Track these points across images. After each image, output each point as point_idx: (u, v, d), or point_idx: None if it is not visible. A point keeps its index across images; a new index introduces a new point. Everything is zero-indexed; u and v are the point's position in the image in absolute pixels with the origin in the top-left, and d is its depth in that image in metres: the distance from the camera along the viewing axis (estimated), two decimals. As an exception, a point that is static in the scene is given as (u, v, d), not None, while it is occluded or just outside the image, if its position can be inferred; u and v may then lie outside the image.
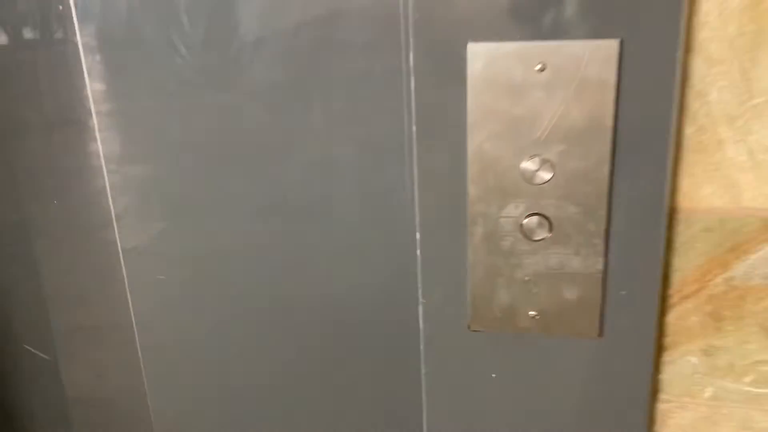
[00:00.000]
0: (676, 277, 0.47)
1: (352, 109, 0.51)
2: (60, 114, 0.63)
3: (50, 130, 0.64)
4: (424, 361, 0.52)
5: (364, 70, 0.49)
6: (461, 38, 0.43)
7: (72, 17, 0.56)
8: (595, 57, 0.42)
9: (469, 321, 0.50)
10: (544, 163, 0.45)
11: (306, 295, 0.59)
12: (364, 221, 0.55)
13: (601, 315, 0.48)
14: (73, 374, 0.76)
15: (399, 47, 0.47)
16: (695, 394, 0.50)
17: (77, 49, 0.58)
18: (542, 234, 0.46)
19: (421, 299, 0.51)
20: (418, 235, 0.49)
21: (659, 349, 0.49)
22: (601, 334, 0.48)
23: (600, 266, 0.46)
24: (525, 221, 0.46)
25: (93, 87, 0.58)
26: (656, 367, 0.50)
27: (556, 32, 0.42)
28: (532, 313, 0.49)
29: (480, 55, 0.43)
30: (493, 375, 0.51)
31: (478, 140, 0.45)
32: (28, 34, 0.62)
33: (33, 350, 0.76)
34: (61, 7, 0.58)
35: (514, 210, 0.46)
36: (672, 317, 0.48)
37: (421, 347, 0.52)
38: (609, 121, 0.43)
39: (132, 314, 0.67)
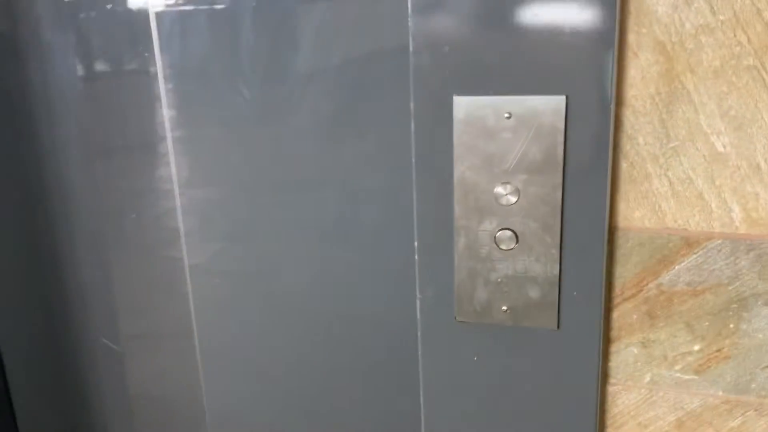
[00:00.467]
0: (618, 282, 0.59)
1: (378, 142, 0.65)
2: (138, 138, 0.76)
3: (130, 152, 0.78)
4: (421, 344, 0.65)
5: (390, 108, 0.63)
6: (449, 92, 0.57)
7: (154, 51, 0.70)
8: (548, 108, 0.55)
9: (455, 313, 0.63)
10: (512, 188, 0.58)
11: (332, 295, 0.72)
12: (380, 236, 0.68)
13: (558, 311, 0.60)
14: (137, 373, 0.88)
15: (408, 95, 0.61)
16: (637, 378, 0.62)
17: (156, 79, 0.72)
18: (511, 245, 0.59)
19: (418, 295, 0.64)
20: (416, 243, 0.62)
21: (607, 340, 0.61)
22: (558, 326, 0.60)
23: (556, 271, 0.59)
24: (497, 234, 0.59)
25: (168, 115, 0.72)
26: (605, 356, 0.62)
27: (519, 90, 0.55)
28: (504, 307, 0.61)
29: (463, 105, 0.57)
30: (475, 358, 0.64)
31: (461, 169, 0.58)
32: (112, 64, 0.74)
33: (110, 344, 0.88)
34: (143, 43, 0.71)
35: (488, 225, 0.59)
36: (616, 315, 0.60)
37: (419, 333, 0.65)
38: (560, 158, 0.56)
39: (194, 323, 0.80)
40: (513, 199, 0.58)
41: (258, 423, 0.82)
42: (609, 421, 0.63)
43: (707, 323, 0.58)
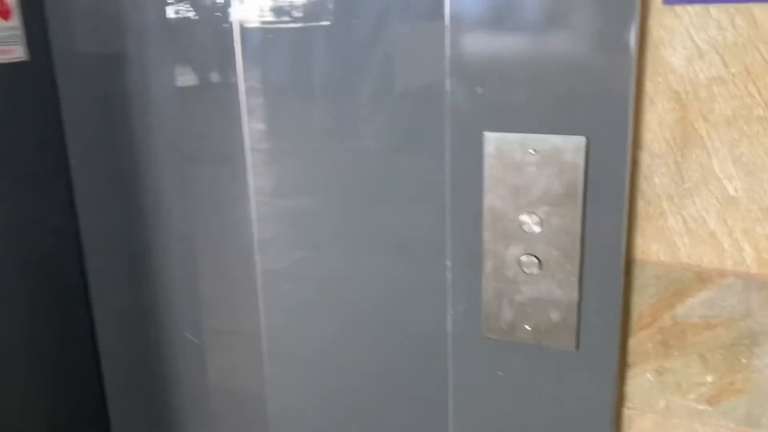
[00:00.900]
0: (635, 311, 0.63)
1: (432, 167, 0.72)
2: (221, 148, 0.83)
3: (215, 161, 0.86)
4: (452, 357, 0.71)
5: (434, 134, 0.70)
6: (480, 128, 0.63)
7: (237, 65, 0.78)
8: (569, 147, 0.60)
9: (482, 329, 0.68)
10: (536, 218, 0.63)
11: (385, 308, 0.79)
12: (424, 255, 0.75)
13: (578, 333, 0.64)
14: (212, 366, 0.97)
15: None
16: (652, 404, 0.65)
17: (238, 92, 0.79)
18: (534, 269, 0.64)
19: (450, 310, 0.70)
20: (448, 263, 0.68)
21: (624, 365, 0.65)
22: (578, 347, 0.65)
23: (575, 296, 0.63)
24: (522, 259, 0.64)
25: (251, 127, 0.80)
26: (622, 380, 0.65)
27: (544, 128, 0.61)
28: (527, 327, 0.66)
29: (492, 140, 0.63)
30: (500, 372, 0.69)
31: (491, 199, 0.64)
32: (201, 78, 0.83)
33: (191, 337, 0.97)
34: (228, 58, 0.79)
35: (514, 250, 0.65)
36: (633, 342, 0.64)
37: (449, 346, 0.71)
38: (580, 193, 0.61)
39: (262, 324, 0.88)
40: (537, 228, 0.63)
41: (314, 421, 0.89)
42: (626, 443, 0.67)
43: (720, 356, 0.61)
